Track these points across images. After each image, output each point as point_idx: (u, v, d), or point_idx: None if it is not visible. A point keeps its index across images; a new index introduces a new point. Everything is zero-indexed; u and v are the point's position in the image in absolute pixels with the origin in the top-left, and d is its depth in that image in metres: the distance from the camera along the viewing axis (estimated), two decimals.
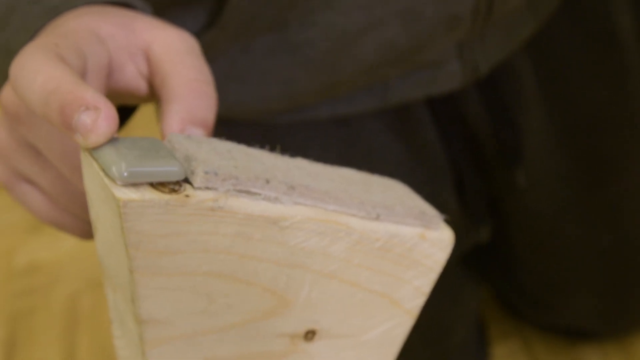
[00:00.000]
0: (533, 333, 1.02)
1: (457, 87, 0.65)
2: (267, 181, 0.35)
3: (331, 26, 0.56)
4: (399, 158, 0.70)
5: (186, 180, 0.34)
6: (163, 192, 0.33)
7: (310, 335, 0.40)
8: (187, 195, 0.33)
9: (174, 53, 0.41)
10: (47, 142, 0.39)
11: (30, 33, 0.41)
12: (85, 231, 0.43)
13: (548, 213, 0.82)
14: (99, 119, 0.33)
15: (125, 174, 0.33)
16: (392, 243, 0.39)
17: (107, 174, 0.33)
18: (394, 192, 0.42)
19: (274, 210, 0.36)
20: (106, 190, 0.33)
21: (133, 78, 0.42)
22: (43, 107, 0.34)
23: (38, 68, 0.35)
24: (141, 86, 0.42)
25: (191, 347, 0.37)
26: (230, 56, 0.58)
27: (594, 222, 0.82)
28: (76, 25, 0.39)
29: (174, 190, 0.33)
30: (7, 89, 0.40)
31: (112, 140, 0.34)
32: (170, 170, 0.34)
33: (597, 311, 0.90)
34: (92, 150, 0.34)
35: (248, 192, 0.35)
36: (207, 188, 0.34)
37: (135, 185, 0.33)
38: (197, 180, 0.34)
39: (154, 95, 0.43)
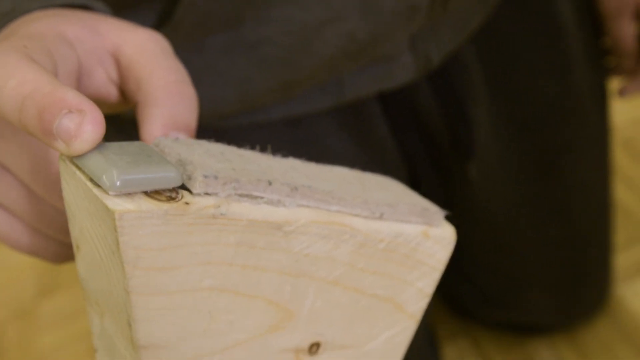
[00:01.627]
0: (481, 331, 1.01)
1: (410, 80, 0.64)
2: (270, 183, 0.32)
3: (289, 21, 0.53)
4: (352, 156, 0.68)
5: (182, 187, 0.31)
6: (160, 200, 0.30)
7: (314, 348, 0.37)
8: (186, 203, 0.30)
9: (147, 55, 0.37)
10: (15, 157, 0.35)
11: None
12: (61, 254, 0.38)
13: (500, 207, 0.81)
14: (84, 122, 0.29)
15: (118, 182, 0.29)
16: (396, 243, 0.37)
17: (95, 184, 0.30)
18: (392, 189, 0.39)
19: (278, 214, 0.33)
20: (96, 202, 0.29)
21: (103, 84, 0.38)
22: (18, 114, 0.30)
23: (9, 71, 0.31)
24: (111, 92, 0.39)
25: None
26: (182, 57, 0.55)
27: (544, 215, 0.82)
28: (40, 28, 0.35)
29: (171, 199, 0.30)
30: None
31: (97, 147, 0.31)
32: (167, 176, 0.30)
33: (549, 305, 0.90)
34: (76, 158, 0.30)
35: (250, 196, 0.32)
36: (207, 194, 0.31)
37: (128, 195, 0.29)
38: (195, 186, 0.31)
39: (125, 101, 0.39)
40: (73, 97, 0.30)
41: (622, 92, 0.80)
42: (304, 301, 0.35)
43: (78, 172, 0.30)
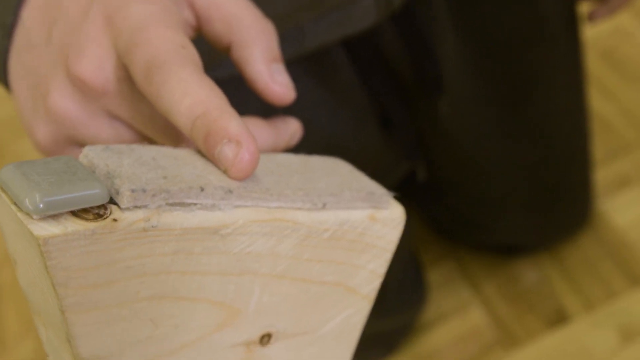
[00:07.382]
0: (466, 254, 1.01)
1: (372, 23, 0.62)
2: (202, 189, 0.32)
3: None
4: (320, 102, 0.67)
5: (112, 201, 0.30)
6: (87, 219, 0.29)
7: (265, 339, 0.37)
8: (114, 220, 0.29)
9: None
10: (134, 111, 0.38)
11: None
12: None
13: (474, 137, 0.80)
14: (240, 153, 0.32)
15: (41, 205, 0.28)
16: (342, 231, 0.36)
17: (20, 208, 0.29)
18: (338, 174, 0.38)
19: (213, 218, 0.32)
20: (22, 226, 0.29)
21: (185, 28, 0.40)
22: (189, 129, 0.34)
23: (184, 88, 0.34)
24: (191, 36, 0.41)
25: None
26: None
27: (518, 139, 0.81)
28: None
29: (99, 216, 0.29)
30: (90, 63, 0.37)
31: (21, 166, 0.30)
32: (92, 193, 0.29)
33: (526, 225, 0.90)
34: (1, 180, 0.30)
35: (182, 204, 0.31)
36: (136, 207, 0.30)
37: (54, 216, 0.29)
38: (123, 201, 0.30)
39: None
40: (234, 127, 0.33)
41: (591, 17, 0.78)
42: (249, 298, 0.35)
43: (3, 195, 0.30)
